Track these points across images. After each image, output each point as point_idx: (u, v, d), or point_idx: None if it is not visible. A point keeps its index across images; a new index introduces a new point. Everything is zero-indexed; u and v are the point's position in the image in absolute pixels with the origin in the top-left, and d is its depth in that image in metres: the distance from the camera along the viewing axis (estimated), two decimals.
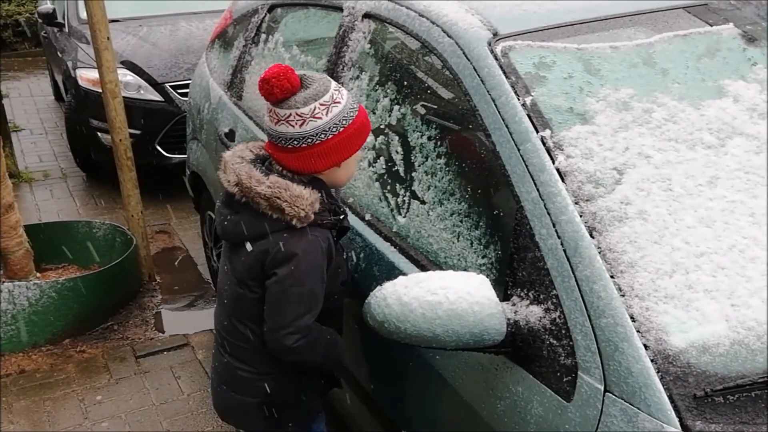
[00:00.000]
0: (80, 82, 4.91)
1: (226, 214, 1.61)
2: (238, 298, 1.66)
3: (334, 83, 1.58)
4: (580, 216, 1.33)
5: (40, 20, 6.61)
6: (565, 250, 1.32)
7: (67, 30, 5.66)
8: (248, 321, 1.64)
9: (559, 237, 1.34)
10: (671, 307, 1.23)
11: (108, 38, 3.38)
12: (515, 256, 1.42)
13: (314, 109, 1.52)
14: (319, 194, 1.56)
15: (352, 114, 1.58)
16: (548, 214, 1.36)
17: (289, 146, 1.55)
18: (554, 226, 1.35)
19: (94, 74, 4.91)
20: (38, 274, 3.43)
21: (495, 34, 1.66)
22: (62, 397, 2.82)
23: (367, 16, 2.08)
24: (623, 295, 1.24)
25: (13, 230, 3.28)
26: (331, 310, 1.71)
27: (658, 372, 1.17)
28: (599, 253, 1.29)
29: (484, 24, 1.69)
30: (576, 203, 1.35)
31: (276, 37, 2.66)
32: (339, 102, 1.56)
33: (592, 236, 1.30)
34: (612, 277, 1.26)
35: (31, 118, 6.93)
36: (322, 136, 1.54)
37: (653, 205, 1.35)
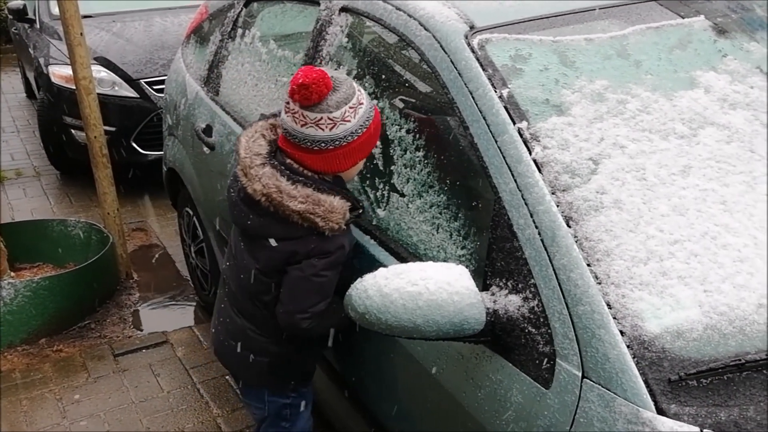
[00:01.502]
0: (53, 79, 4.83)
1: (247, 213, 1.63)
2: (255, 281, 1.70)
3: (356, 84, 1.61)
4: (557, 206, 1.35)
5: (10, 16, 6.49)
6: (542, 240, 1.34)
7: (38, 26, 5.57)
8: (262, 298, 1.69)
9: (536, 227, 1.35)
10: (646, 293, 1.25)
11: (81, 34, 3.33)
12: (494, 246, 1.44)
13: (345, 113, 1.54)
14: (348, 201, 1.59)
15: (371, 113, 1.62)
16: (526, 204, 1.38)
17: (315, 148, 1.56)
18: (532, 216, 1.37)
19: (67, 71, 4.84)
20: (12, 274, 3.38)
21: (471, 27, 1.67)
22: (39, 397, 2.79)
23: (344, 9, 2.08)
24: (600, 283, 1.26)
25: None
26: (344, 284, 1.75)
27: (633, 357, 1.19)
28: (576, 242, 1.31)
29: (460, 17, 1.70)
30: (553, 193, 1.37)
31: (253, 32, 2.64)
32: (363, 103, 1.59)
33: (568, 225, 1.32)
34: (589, 265, 1.28)
35: (2, 116, 6.80)
36: (350, 138, 1.57)
37: (628, 194, 1.37)
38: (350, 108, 1.56)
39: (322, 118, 1.54)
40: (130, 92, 4.74)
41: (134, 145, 4.78)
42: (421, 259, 1.65)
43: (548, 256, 1.32)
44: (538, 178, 1.39)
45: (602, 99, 1.52)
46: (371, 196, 1.84)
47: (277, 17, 2.65)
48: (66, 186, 5.08)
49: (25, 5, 5.78)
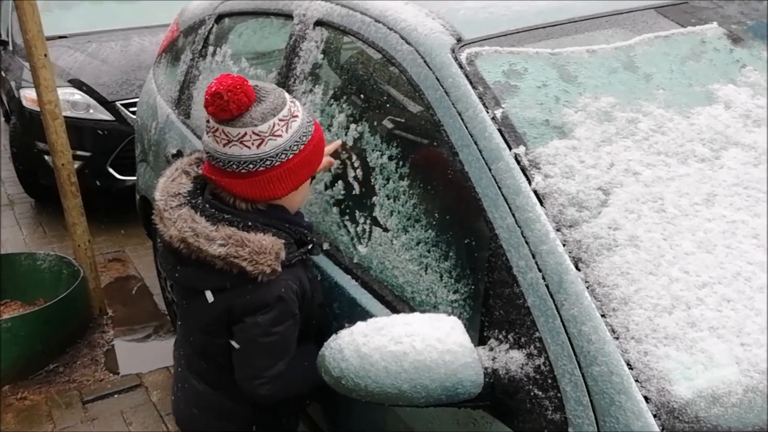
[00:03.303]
0: (24, 103, 4.62)
1: (174, 263, 1.39)
2: (205, 342, 1.49)
3: (287, 94, 1.39)
4: (563, 245, 1.15)
5: None
6: (547, 285, 1.14)
7: (11, 47, 5.37)
8: (217, 360, 1.46)
9: (539, 270, 1.16)
10: (673, 349, 1.05)
11: (45, 55, 3.14)
12: (491, 292, 1.24)
13: (273, 126, 1.31)
14: (283, 240, 1.35)
15: (310, 128, 1.39)
16: (526, 243, 1.18)
17: (242, 171, 1.33)
18: (534, 257, 1.17)
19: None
20: None
21: (459, 40, 1.48)
22: None
23: (319, 23, 1.89)
24: (617, 338, 1.06)
25: None
26: (310, 332, 1.53)
27: (662, 429, 0.99)
28: (587, 288, 1.11)
29: (446, 29, 1.51)
30: (558, 230, 1.17)
31: (224, 50, 2.45)
32: (297, 116, 1.36)
33: (578, 268, 1.13)
34: (603, 316, 1.08)
35: None
36: (283, 156, 1.34)
37: (645, 229, 1.17)
38: (280, 121, 1.33)
39: (246, 133, 1.30)
40: (106, 115, 4.54)
41: (110, 170, 4.57)
42: (408, 304, 1.45)
43: (555, 304, 1.12)
44: (540, 213, 1.19)
45: (610, 118, 1.34)
46: (351, 230, 1.64)
47: (250, 33, 2.46)
48: (40, 215, 4.86)
49: None
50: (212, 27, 2.61)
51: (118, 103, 4.53)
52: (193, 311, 1.44)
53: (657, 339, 1.06)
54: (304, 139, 1.37)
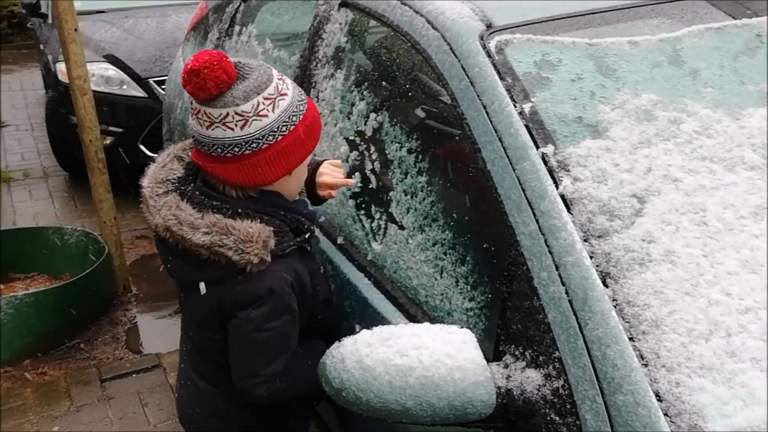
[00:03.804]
0: (59, 77, 4.64)
1: (165, 253, 1.32)
2: (201, 338, 1.42)
3: (275, 71, 1.28)
4: (591, 257, 1.05)
5: (23, 11, 6.36)
6: (570, 301, 1.04)
7: (50, 20, 5.39)
8: (215, 359, 1.38)
9: (563, 283, 1.05)
10: (709, 381, 0.94)
11: (75, 29, 3.11)
12: (509, 303, 1.14)
13: (257, 105, 1.21)
14: (272, 227, 1.26)
15: (302, 108, 1.28)
16: (550, 253, 1.08)
17: (228, 155, 1.23)
18: (557, 269, 1.07)
19: None
20: (1, 286, 3.17)
21: (489, 26, 1.37)
22: (16, 428, 2.56)
23: (344, 4, 1.80)
24: (646, 365, 0.96)
25: None
26: (318, 328, 1.46)
27: None
28: (615, 306, 1.00)
29: (476, 14, 1.40)
30: (585, 240, 1.06)
31: (250, 29, 2.37)
32: (285, 94, 1.25)
33: (605, 284, 1.02)
34: (631, 339, 0.98)
35: (18, 113, 6.67)
36: (270, 138, 1.23)
37: (684, 243, 1.06)
38: (265, 99, 1.22)
39: (228, 114, 1.20)
40: (138, 91, 4.52)
41: (142, 147, 4.57)
42: (421, 308, 1.36)
43: (578, 323, 1.02)
44: (567, 220, 1.08)
45: (650, 117, 1.22)
46: (366, 225, 1.55)
47: (277, 13, 2.37)
48: (73, 189, 4.89)
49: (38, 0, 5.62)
50: (239, 5, 2.53)
51: (151, 80, 4.51)
52: (189, 304, 1.38)
53: (691, 369, 0.95)
54: (294, 119, 1.25)
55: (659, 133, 1.19)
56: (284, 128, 1.24)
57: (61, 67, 4.70)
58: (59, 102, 4.73)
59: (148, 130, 4.53)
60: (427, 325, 1.10)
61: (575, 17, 1.41)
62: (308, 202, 1.46)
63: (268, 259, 1.23)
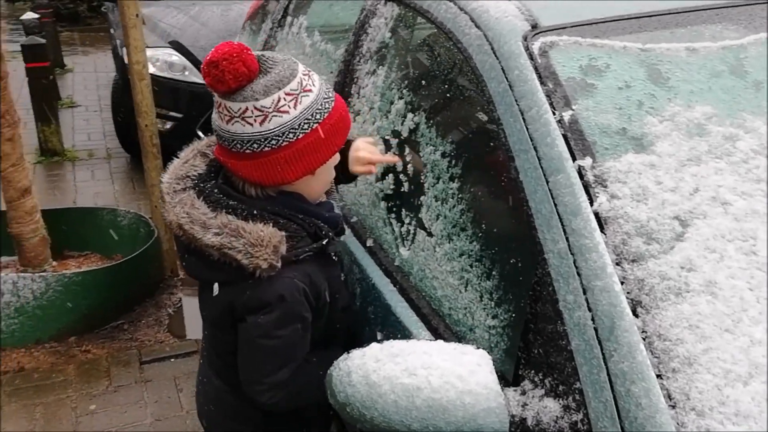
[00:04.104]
0: (126, 61, 4.75)
1: (182, 250, 1.30)
2: (214, 336, 1.41)
3: (302, 66, 1.23)
4: (622, 283, 0.96)
5: None
6: (596, 329, 0.96)
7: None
8: (227, 359, 1.35)
9: (590, 309, 0.97)
10: (744, 431, 0.85)
11: (137, 15, 3.17)
12: (531, 325, 1.07)
13: (278, 101, 1.16)
14: (285, 232, 1.21)
15: (327, 105, 1.22)
16: (578, 275, 1.00)
17: (247, 151, 1.19)
18: (585, 293, 0.98)
19: None
20: (54, 263, 3.27)
21: (534, 26, 1.29)
22: (55, 403, 2.64)
23: None
24: (673, 406, 0.87)
25: (29, 215, 3.12)
26: (336, 336, 1.42)
27: None
28: (644, 339, 0.92)
29: (522, 12, 1.32)
30: (618, 264, 0.98)
31: (300, 21, 2.35)
32: (310, 90, 1.20)
33: (635, 314, 0.94)
34: (659, 377, 0.89)
35: (89, 95, 6.92)
36: (291, 135, 1.18)
37: (728, 274, 0.96)
38: (287, 95, 1.17)
39: (247, 108, 1.15)
40: (199, 78, 4.58)
41: (200, 133, 4.64)
42: (444, 320, 1.29)
43: (603, 353, 0.94)
44: (599, 240, 1.00)
45: (703, 132, 1.11)
46: (396, 230, 1.50)
47: (327, 5, 2.34)
48: (133, 171, 5.03)
49: None
50: None
51: None
52: (204, 302, 1.36)
53: (725, 415, 0.86)
54: (318, 116, 1.20)
55: (711, 150, 1.09)
56: (306, 126, 1.19)
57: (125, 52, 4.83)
58: (124, 86, 4.86)
59: (207, 117, 4.61)
60: (440, 343, 1.04)
61: (630, 20, 1.31)
62: (334, 204, 1.41)
63: (278, 265, 1.19)
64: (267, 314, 1.21)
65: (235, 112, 1.17)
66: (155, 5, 5.26)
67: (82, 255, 3.56)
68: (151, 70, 4.67)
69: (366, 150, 1.46)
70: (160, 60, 4.61)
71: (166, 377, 2.79)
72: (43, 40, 4.97)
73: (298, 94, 1.18)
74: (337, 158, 1.31)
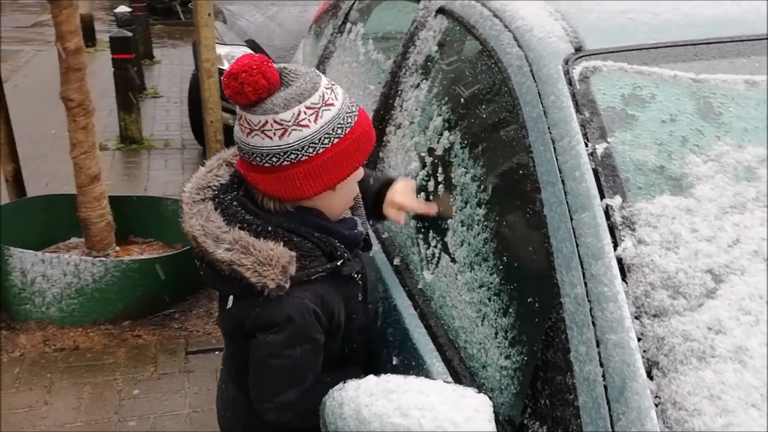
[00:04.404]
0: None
1: (200, 261, 1.29)
2: (232, 351, 1.41)
3: (325, 79, 1.20)
4: (639, 339, 0.88)
5: None
6: (606, 387, 0.87)
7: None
8: (243, 370, 1.33)
9: (601, 365, 0.89)
10: None
11: (209, 14, 3.24)
12: (541, 373, 0.99)
13: (298, 114, 1.14)
14: (296, 252, 1.19)
15: (350, 120, 1.19)
16: (593, 325, 0.92)
17: (266, 164, 1.17)
18: (598, 345, 0.90)
19: (217, 49, 4.90)
20: (117, 248, 3.40)
21: (578, 49, 1.20)
22: (103, 384, 2.73)
23: (441, 11, 1.69)
24: None
25: (97, 201, 3.26)
26: (351, 356, 1.39)
27: None
28: (656, 405, 0.83)
29: (567, 34, 1.24)
30: (637, 317, 0.89)
31: (358, 28, 2.33)
32: (332, 104, 1.18)
33: (650, 376, 0.85)
34: None
35: (173, 86, 7.19)
36: (310, 150, 1.16)
37: (762, 341, 0.86)
38: (308, 109, 1.14)
39: (266, 121, 1.13)
40: None
41: None
42: (459, 353, 1.23)
43: (610, 415, 0.86)
44: (619, 289, 0.92)
45: (752, 177, 1.00)
46: (422, 251, 1.45)
47: (385, 13, 2.30)
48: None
49: None
50: (354, 3, 2.49)
51: None
52: (221, 312, 1.35)
53: None
54: (339, 131, 1.17)
55: (759, 197, 0.98)
56: (327, 141, 1.17)
57: None
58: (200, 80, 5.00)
59: None
60: (440, 383, 0.99)
61: (685, 46, 1.21)
62: (357, 221, 1.37)
63: (286, 285, 1.17)
64: (276, 334, 1.19)
65: (255, 125, 1.15)
66: (236, 3, 5.40)
67: (146, 242, 3.69)
68: (225, 66, 4.80)
69: (403, 195, 1.42)
70: (235, 58, 4.72)
71: (208, 369, 2.84)
72: (130, 33, 5.19)
73: (319, 108, 1.16)
74: (360, 174, 1.28)
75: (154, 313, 3.18)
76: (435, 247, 1.40)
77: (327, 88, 1.19)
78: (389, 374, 1.01)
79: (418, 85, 1.66)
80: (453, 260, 1.32)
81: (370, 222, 1.55)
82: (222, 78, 1.17)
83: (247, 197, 1.25)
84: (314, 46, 2.90)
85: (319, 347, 1.24)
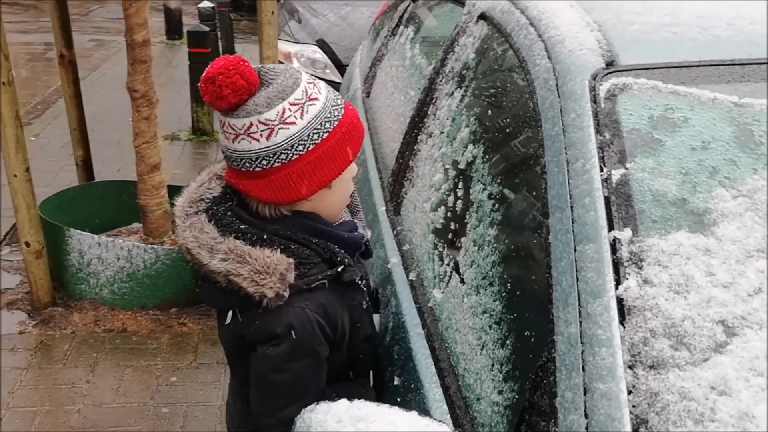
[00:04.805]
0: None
1: (196, 277, 1.25)
2: (233, 364, 1.36)
3: (305, 74, 1.16)
4: (629, 392, 0.78)
5: None
6: None
7: (281, 1, 5.81)
8: (244, 386, 1.30)
9: (586, 416, 0.80)
10: None
11: (272, 12, 3.26)
12: (526, 416, 0.91)
13: (283, 112, 1.10)
14: (294, 259, 1.14)
15: (337, 113, 1.15)
16: (582, 370, 0.83)
17: (257, 169, 1.13)
18: (585, 393, 0.82)
19: (288, 48, 4.97)
20: (173, 236, 3.49)
21: (610, 64, 1.11)
22: (143, 368, 2.80)
23: (482, 17, 1.61)
24: None
25: (156, 190, 3.34)
26: (358, 367, 1.34)
27: None
28: None
29: (600, 46, 1.14)
30: (630, 367, 0.80)
31: (408, 32, 2.27)
32: (316, 99, 1.13)
33: None
34: None
35: None
36: (300, 147, 1.12)
37: None
38: (292, 105, 1.09)
39: (252, 123, 1.09)
40: (338, 78, 4.68)
41: None
42: (458, 380, 1.16)
43: None
44: (615, 333, 0.83)
45: None
46: (436, 268, 1.38)
47: (432, 18, 2.23)
48: None
49: None
50: (408, 5, 2.44)
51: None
52: (220, 329, 1.31)
53: None
54: (328, 125, 1.13)
55: None
56: (316, 136, 1.12)
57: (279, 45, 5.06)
58: None
59: None
60: (413, 415, 0.92)
61: (732, 65, 1.09)
62: (359, 224, 1.32)
63: (285, 294, 1.12)
64: (276, 346, 1.14)
65: (240, 129, 1.11)
66: (311, 3, 5.46)
67: None
68: (295, 65, 4.86)
69: None
70: (304, 56, 4.76)
71: None
72: (207, 28, 5.33)
73: (303, 104, 1.11)
74: (354, 169, 1.23)
75: (201, 302, 3.24)
76: (447, 265, 1.33)
77: (309, 83, 1.14)
78: (362, 400, 0.95)
79: (452, 94, 1.59)
80: (462, 281, 1.25)
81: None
82: (199, 84, 1.13)
83: (241, 207, 1.21)
84: (370, 49, 2.87)
85: (321, 361, 1.19)
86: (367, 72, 2.66)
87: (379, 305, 1.53)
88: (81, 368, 2.77)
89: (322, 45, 4.78)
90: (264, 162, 1.12)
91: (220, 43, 7.55)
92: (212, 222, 1.17)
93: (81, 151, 3.67)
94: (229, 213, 1.18)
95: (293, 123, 1.10)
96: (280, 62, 4.93)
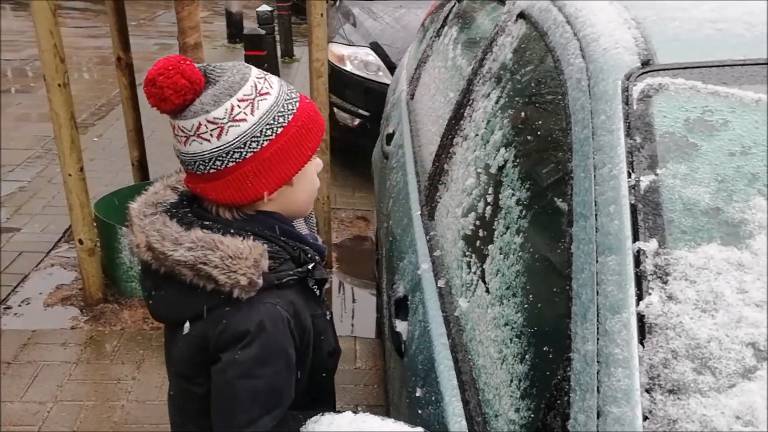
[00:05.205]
0: (328, 56, 5.00)
1: (149, 288, 1.19)
2: (182, 393, 1.22)
3: (256, 70, 1.11)
4: (645, 418, 0.72)
5: None
6: None
7: (337, 3, 5.84)
8: (197, 421, 1.18)
9: None
10: None
11: (321, 15, 3.27)
12: None
13: (232, 109, 1.06)
14: (266, 244, 1.09)
15: (291, 107, 1.10)
16: (597, 392, 0.77)
17: (212, 170, 1.08)
18: (598, 416, 0.76)
19: (342, 50, 4.99)
20: None
21: (646, 63, 1.04)
22: (161, 364, 2.84)
23: (521, 16, 1.55)
24: None
25: None
26: (321, 388, 1.28)
27: None
28: None
29: (636, 45, 1.07)
30: (648, 391, 0.74)
31: (451, 32, 2.23)
32: (267, 93, 1.09)
33: None
34: None
35: (306, 84, 7.41)
36: (254, 145, 1.07)
37: None
38: (240, 101, 1.05)
39: (200, 123, 1.05)
40: (389, 79, 4.66)
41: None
42: (478, 395, 1.11)
43: None
44: (633, 354, 0.76)
45: None
46: (464, 276, 1.33)
47: (475, 18, 2.18)
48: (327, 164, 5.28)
49: None
50: (454, 5, 2.39)
51: None
52: (170, 350, 1.22)
53: None
54: (282, 120, 1.08)
55: None
56: (269, 132, 1.08)
57: (331, 48, 5.07)
58: None
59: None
60: (419, 430, 0.88)
61: None
62: (318, 238, 1.28)
63: (259, 281, 1.06)
64: (245, 348, 1.07)
65: (189, 131, 1.07)
66: (364, 5, 5.46)
67: None
68: (348, 67, 4.87)
69: None
70: (357, 58, 4.76)
71: None
72: (263, 32, 5.41)
73: (253, 99, 1.07)
74: (318, 164, 1.19)
75: None
76: (474, 273, 1.28)
77: (259, 78, 1.10)
78: (366, 413, 0.92)
79: (488, 95, 1.54)
80: (487, 290, 1.20)
81: None
82: (143, 88, 1.10)
83: (202, 210, 1.16)
84: (417, 50, 2.83)
85: (292, 364, 1.12)
86: (412, 74, 2.63)
87: (408, 312, 1.50)
88: (128, 364, 2.84)
89: (376, 47, 4.77)
90: (218, 163, 1.08)
91: (278, 46, 7.68)
92: (174, 220, 1.12)
93: (136, 152, 3.78)
94: (189, 214, 1.14)
95: (243, 120, 1.06)
96: (332, 65, 4.95)
